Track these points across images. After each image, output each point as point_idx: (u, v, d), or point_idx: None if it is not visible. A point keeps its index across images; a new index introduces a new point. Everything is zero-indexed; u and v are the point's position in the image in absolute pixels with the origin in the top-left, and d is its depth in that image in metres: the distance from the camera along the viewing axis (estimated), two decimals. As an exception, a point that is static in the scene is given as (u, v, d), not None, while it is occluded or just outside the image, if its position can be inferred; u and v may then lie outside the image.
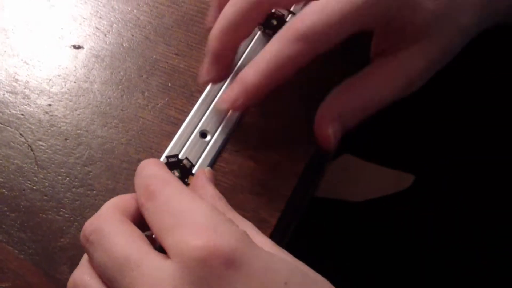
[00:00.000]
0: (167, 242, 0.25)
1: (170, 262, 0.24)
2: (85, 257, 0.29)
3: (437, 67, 0.34)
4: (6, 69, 0.40)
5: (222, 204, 0.30)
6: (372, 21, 0.32)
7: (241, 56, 0.38)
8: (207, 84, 0.37)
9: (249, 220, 0.30)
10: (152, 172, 0.29)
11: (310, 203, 0.55)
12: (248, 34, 0.35)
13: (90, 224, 0.28)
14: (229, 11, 0.33)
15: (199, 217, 0.25)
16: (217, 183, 0.35)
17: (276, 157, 0.36)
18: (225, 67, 0.35)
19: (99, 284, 0.27)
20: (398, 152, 0.60)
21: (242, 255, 0.24)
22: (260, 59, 0.32)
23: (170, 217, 0.26)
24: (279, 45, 0.31)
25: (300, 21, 0.31)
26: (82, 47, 0.40)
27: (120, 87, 0.39)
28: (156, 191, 0.28)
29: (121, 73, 0.39)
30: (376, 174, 0.65)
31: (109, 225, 0.27)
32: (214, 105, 0.37)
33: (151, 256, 0.25)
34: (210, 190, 0.31)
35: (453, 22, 0.33)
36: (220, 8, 0.35)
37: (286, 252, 0.28)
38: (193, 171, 0.35)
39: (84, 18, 0.41)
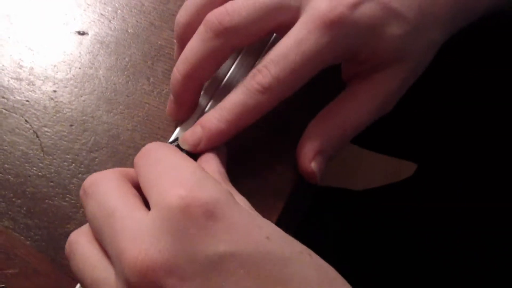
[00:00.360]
0: (151, 193, 0.26)
1: (153, 213, 0.25)
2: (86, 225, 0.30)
3: (410, 83, 0.34)
4: (10, 55, 0.39)
5: (221, 178, 0.31)
6: (338, 59, 0.33)
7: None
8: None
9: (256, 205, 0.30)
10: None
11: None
12: (209, 77, 0.34)
13: (91, 178, 0.29)
14: (190, 55, 0.32)
15: (184, 172, 0.26)
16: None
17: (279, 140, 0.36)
18: (187, 109, 0.35)
19: (91, 243, 0.28)
20: (400, 141, 0.60)
21: (223, 207, 0.25)
22: (224, 107, 0.32)
23: (157, 171, 0.27)
24: (244, 96, 0.31)
25: (263, 73, 0.31)
26: (87, 33, 0.40)
27: (125, 73, 0.39)
28: (151, 150, 0.29)
29: (126, 59, 0.39)
30: (377, 162, 0.65)
31: (106, 181, 0.29)
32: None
33: (136, 210, 0.26)
34: (212, 164, 0.32)
35: (422, 40, 0.33)
36: (182, 46, 0.34)
37: None
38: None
39: (88, 4, 0.41)
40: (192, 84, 0.34)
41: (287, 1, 0.32)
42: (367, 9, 0.31)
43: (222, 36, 0.32)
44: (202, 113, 0.36)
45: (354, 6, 0.31)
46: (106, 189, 0.28)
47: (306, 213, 0.47)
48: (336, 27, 0.30)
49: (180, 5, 0.39)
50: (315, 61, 0.31)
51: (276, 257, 0.25)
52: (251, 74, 0.32)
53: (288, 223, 0.37)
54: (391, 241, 0.58)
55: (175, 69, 0.34)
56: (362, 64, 0.33)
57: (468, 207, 0.55)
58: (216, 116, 0.32)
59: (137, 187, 0.29)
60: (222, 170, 0.32)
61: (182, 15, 0.35)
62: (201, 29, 0.32)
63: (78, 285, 0.33)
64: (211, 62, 0.33)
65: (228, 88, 0.35)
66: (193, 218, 0.24)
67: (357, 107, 0.34)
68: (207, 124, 0.32)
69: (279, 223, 0.34)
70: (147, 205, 0.27)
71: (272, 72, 0.31)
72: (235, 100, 0.32)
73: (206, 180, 0.26)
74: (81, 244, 0.28)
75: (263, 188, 0.35)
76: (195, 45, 0.33)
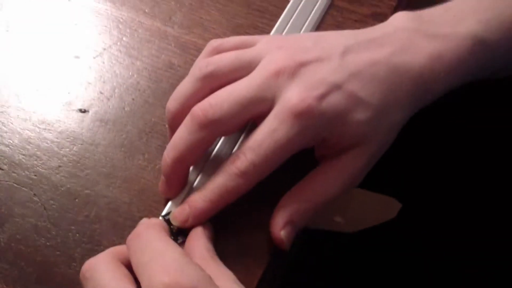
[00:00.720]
0: (142, 276, 0.31)
1: None
2: None
3: (376, 160, 0.39)
4: (19, 132, 0.44)
5: (208, 255, 0.36)
6: (308, 144, 0.37)
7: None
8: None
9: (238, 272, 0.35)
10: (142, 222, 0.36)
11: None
12: (196, 161, 0.40)
13: (88, 263, 0.34)
14: (178, 143, 0.37)
15: (168, 259, 0.31)
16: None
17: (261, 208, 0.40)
18: (177, 188, 0.40)
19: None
20: (384, 178, 0.64)
21: None
22: (208, 188, 0.37)
23: (146, 255, 0.32)
24: (224, 179, 0.36)
25: (241, 160, 0.36)
26: (88, 111, 0.45)
27: (122, 149, 0.43)
28: (141, 234, 0.34)
29: (123, 136, 0.44)
30: (363, 199, 0.69)
31: (101, 265, 0.33)
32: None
33: None
34: (202, 242, 0.36)
35: (385, 123, 0.37)
36: (173, 131, 0.39)
37: None
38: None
39: (89, 83, 0.46)
40: (180, 167, 0.38)
41: (263, 93, 0.36)
42: (333, 99, 0.36)
43: (206, 128, 0.37)
44: (191, 187, 0.40)
45: (322, 98, 0.35)
46: (100, 273, 0.32)
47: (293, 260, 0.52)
48: (305, 118, 0.35)
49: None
50: (286, 148, 0.36)
51: None
52: (231, 159, 0.37)
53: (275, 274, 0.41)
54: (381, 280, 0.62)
55: (165, 154, 0.38)
56: (330, 148, 0.38)
57: (453, 244, 0.59)
58: (201, 197, 0.37)
59: (129, 264, 0.34)
60: (210, 246, 0.37)
61: (172, 104, 0.40)
62: (187, 121, 0.37)
63: None
64: (197, 149, 0.38)
65: (215, 163, 0.40)
66: None
67: (326, 183, 0.38)
68: (193, 204, 0.38)
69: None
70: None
71: (248, 158, 0.36)
72: (217, 182, 0.37)
73: (188, 266, 0.31)
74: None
75: (244, 252, 0.40)
76: (182, 135, 0.37)
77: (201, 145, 0.38)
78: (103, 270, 0.33)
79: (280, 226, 0.38)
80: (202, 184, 0.39)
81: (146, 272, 0.31)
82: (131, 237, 0.34)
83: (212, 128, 0.37)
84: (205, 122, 0.36)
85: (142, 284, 0.31)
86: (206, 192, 0.37)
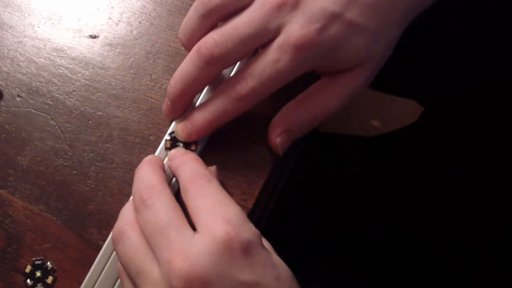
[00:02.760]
0: (202, 221, 0.33)
1: (202, 237, 0.32)
2: (125, 210, 0.38)
3: (373, 78, 0.39)
4: (35, 61, 0.46)
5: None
6: (308, 69, 0.37)
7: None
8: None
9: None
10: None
11: (315, 139, 0.59)
12: (201, 90, 0.41)
13: (147, 189, 0.36)
14: (184, 77, 0.38)
15: (231, 212, 0.34)
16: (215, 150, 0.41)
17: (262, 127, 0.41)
18: (182, 111, 0.41)
19: (140, 238, 0.35)
20: (406, 81, 0.63)
21: (254, 248, 0.33)
22: (207, 109, 0.39)
23: (210, 203, 0.34)
24: (224, 102, 0.38)
25: (242, 85, 0.37)
26: (98, 37, 0.46)
27: (131, 71, 0.44)
28: (203, 183, 0.36)
29: (131, 58, 0.45)
30: (384, 104, 0.68)
31: (161, 197, 0.35)
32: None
33: (187, 229, 0.34)
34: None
35: (382, 42, 0.38)
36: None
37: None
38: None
39: (98, 9, 0.47)
40: (186, 96, 0.40)
41: (266, 27, 0.36)
42: (333, 30, 0.36)
43: (212, 64, 0.37)
44: (193, 104, 0.41)
45: (322, 30, 0.35)
46: (162, 204, 0.35)
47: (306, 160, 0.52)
48: (306, 49, 0.36)
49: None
50: (287, 76, 0.37)
51: None
52: (231, 82, 0.38)
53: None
54: (395, 189, 0.62)
55: (172, 84, 0.39)
56: (331, 68, 0.39)
57: (473, 152, 0.58)
58: (201, 116, 0.39)
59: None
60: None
61: (181, 38, 0.40)
62: (194, 56, 0.38)
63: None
64: (203, 82, 0.39)
65: (218, 80, 0.41)
66: (232, 250, 0.32)
67: (329, 98, 0.39)
68: (194, 122, 0.39)
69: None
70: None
71: (250, 84, 0.37)
72: (217, 104, 0.38)
73: (246, 223, 0.34)
74: (131, 236, 0.35)
75: (247, 165, 0.41)
76: (189, 69, 0.38)
77: (207, 78, 0.39)
78: (164, 202, 0.35)
79: (278, 133, 0.39)
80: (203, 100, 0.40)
81: (209, 218, 0.33)
82: (190, 181, 0.36)
83: (218, 64, 0.38)
84: (211, 59, 0.37)
85: (199, 227, 0.33)
86: (206, 113, 0.39)
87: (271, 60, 0.36)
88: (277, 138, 0.39)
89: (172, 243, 0.33)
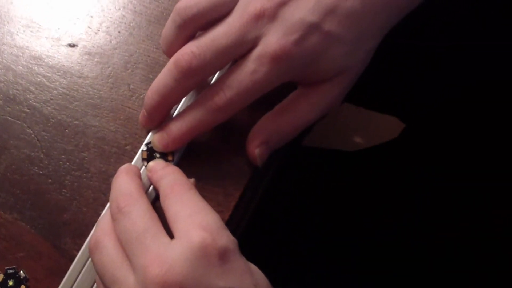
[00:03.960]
0: (179, 227, 0.33)
1: (179, 242, 0.32)
2: (101, 219, 0.38)
3: (350, 87, 0.40)
4: (13, 69, 0.46)
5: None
6: (285, 79, 0.38)
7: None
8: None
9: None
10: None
11: (298, 153, 0.60)
12: (181, 99, 0.41)
13: (123, 197, 0.36)
14: (161, 89, 0.38)
15: (208, 218, 0.34)
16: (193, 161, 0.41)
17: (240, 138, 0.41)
18: (158, 122, 0.41)
19: (116, 246, 0.35)
20: (389, 98, 0.64)
21: (231, 254, 0.32)
22: (184, 120, 0.39)
23: (188, 209, 0.34)
24: (201, 113, 0.38)
25: (220, 96, 0.37)
26: (77, 45, 0.46)
27: (109, 80, 0.44)
28: (181, 191, 0.36)
29: (110, 68, 0.45)
30: (366, 119, 0.68)
31: (138, 205, 0.35)
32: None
33: (163, 236, 0.34)
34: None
35: (361, 52, 0.38)
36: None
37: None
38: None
39: (78, 18, 0.47)
40: (163, 107, 0.40)
41: (244, 38, 0.37)
42: (311, 41, 0.36)
43: (189, 76, 0.38)
44: (171, 115, 0.42)
45: (299, 41, 0.36)
46: (138, 211, 0.35)
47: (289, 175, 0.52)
48: (283, 60, 0.36)
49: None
50: (264, 87, 0.37)
51: None
52: (209, 93, 0.38)
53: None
54: (377, 201, 0.62)
55: (149, 96, 0.39)
56: (307, 80, 0.39)
57: (454, 167, 0.59)
58: (177, 127, 0.39)
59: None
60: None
61: (162, 49, 0.40)
62: (171, 68, 0.38)
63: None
64: (180, 94, 0.39)
65: (194, 92, 0.41)
66: (209, 256, 0.32)
67: (307, 108, 0.39)
68: (171, 133, 0.39)
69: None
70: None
71: (227, 95, 0.37)
72: (194, 115, 0.38)
73: (223, 230, 0.34)
74: (107, 245, 0.35)
75: (224, 176, 0.41)
76: (166, 81, 0.38)
77: (184, 90, 0.39)
78: (141, 209, 0.35)
79: (256, 145, 0.39)
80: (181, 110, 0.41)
81: (186, 224, 0.33)
82: (168, 190, 0.36)
83: (196, 75, 0.38)
84: (189, 71, 0.37)
85: (177, 233, 0.33)
86: (183, 123, 0.39)
87: (249, 71, 0.36)
88: (256, 149, 0.39)
89: (148, 249, 0.32)
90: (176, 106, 0.42)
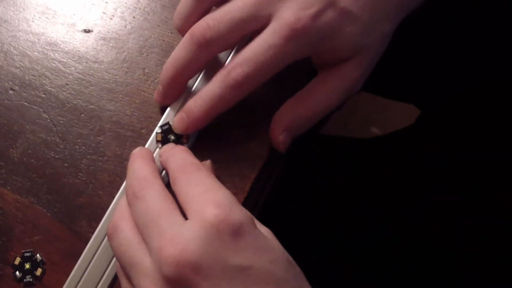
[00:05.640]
0: (192, 206, 0.33)
1: (192, 222, 0.32)
2: (119, 205, 0.37)
3: (370, 71, 0.39)
4: (29, 55, 0.46)
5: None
6: (302, 57, 0.37)
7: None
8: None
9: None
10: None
11: (315, 140, 0.59)
12: (194, 75, 0.41)
13: (138, 182, 0.36)
14: (177, 61, 0.38)
15: (220, 196, 0.33)
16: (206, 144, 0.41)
17: (254, 121, 0.41)
18: (174, 98, 0.41)
19: (133, 230, 0.35)
20: (404, 86, 0.63)
21: (246, 230, 0.32)
22: (204, 99, 0.38)
23: (200, 188, 0.34)
24: (220, 90, 0.37)
25: (238, 71, 0.36)
26: (92, 31, 0.46)
27: (124, 65, 0.44)
28: (191, 171, 0.36)
29: (125, 53, 0.45)
30: (382, 108, 0.68)
31: (153, 188, 0.35)
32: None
33: (178, 216, 0.33)
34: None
35: (376, 34, 0.38)
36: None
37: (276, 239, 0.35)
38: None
39: (93, 4, 0.47)
40: (179, 82, 0.40)
41: (259, 12, 0.37)
42: (327, 17, 0.36)
43: (204, 47, 0.38)
44: (189, 94, 0.41)
45: (315, 16, 0.35)
46: (153, 195, 0.35)
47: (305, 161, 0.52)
48: (300, 35, 0.36)
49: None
50: (281, 62, 0.37)
51: (277, 277, 0.32)
52: (226, 70, 0.37)
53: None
54: (392, 191, 0.62)
55: (165, 69, 0.39)
56: (326, 59, 0.39)
57: (469, 153, 0.58)
58: (197, 107, 0.39)
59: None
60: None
61: (176, 23, 0.41)
62: (186, 40, 0.38)
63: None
64: (195, 66, 0.39)
65: (213, 67, 0.41)
66: (223, 233, 0.31)
67: (327, 94, 0.39)
68: (190, 114, 0.39)
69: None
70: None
71: (246, 71, 0.37)
72: (213, 92, 0.38)
73: (236, 205, 0.33)
74: (124, 230, 0.35)
75: (239, 159, 0.41)
76: (182, 53, 0.38)
77: (199, 63, 0.39)
78: (156, 193, 0.35)
79: (279, 131, 0.39)
80: (199, 89, 0.40)
81: (198, 203, 0.33)
82: (179, 170, 0.36)
83: (210, 47, 0.38)
84: (203, 42, 0.37)
85: (190, 213, 0.33)
86: (202, 102, 0.39)
87: (265, 45, 0.36)
88: (279, 136, 0.39)
89: (163, 231, 0.32)
90: (191, 87, 0.41)
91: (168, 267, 0.31)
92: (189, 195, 0.34)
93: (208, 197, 0.33)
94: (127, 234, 0.35)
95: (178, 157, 0.38)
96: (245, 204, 0.40)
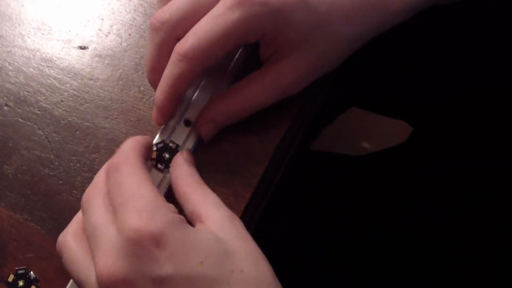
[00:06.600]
0: (117, 217, 0.33)
1: (118, 235, 0.31)
2: (72, 220, 0.37)
3: (314, 75, 0.38)
4: (24, 71, 0.46)
5: (193, 180, 0.38)
6: (249, 36, 0.36)
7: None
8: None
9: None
10: (124, 148, 0.37)
11: (306, 157, 0.59)
12: (187, 89, 0.40)
13: (85, 194, 0.36)
14: (168, 75, 0.37)
15: (142, 202, 0.32)
16: (201, 162, 0.41)
17: (248, 140, 0.41)
18: (168, 116, 0.40)
19: (77, 244, 0.35)
20: (397, 102, 0.64)
21: (167, 237, 0.31)
22: (162, 81, 0.38)
23: (121, 196, 0.33)
24: (170, 67, 0.37)
25: (181, 44, 0.36)
26: (87, 48, 0.46)
27: (119, 82, 0.45)
28: (119, 166, 0.35)
29: (120, 70, 0.45)
30: (374, 124, 0.68)
31: (95, 200, 0.35)
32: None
33: (111, 227, 0.32)
34: (184, 169, 0.38)
35: (328, 33, 0.36)
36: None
37: (235, 229, 0.34)
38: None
39: (88, 21, 0.47)
40: (171, 100, 0.39)
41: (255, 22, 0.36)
42: None
43: (159, 29, 0.37)
44: (188, 104, 0.42)
45: None
46: (93, 207, 0.34)
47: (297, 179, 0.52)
48: (247, 4, 0.34)
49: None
50: (228, 33, 0.35)
51: (208, 279, 0.31)
52: (175, 47, 0.37)
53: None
54: (383, 207, 0.62)
55: (159, 86, 0.39)
56: (271, 47, 0.37)
57: (462, 167, 0.59)
58: (158, 91, 0.39)
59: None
60: (193, 171, 0.39)
61: (147, 75, 0.40)
62: (172, 58, 0.37)
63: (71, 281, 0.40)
64: (183, 82, 0.38)
65: (210, 79, 0.42)
66: (144, 246, 0.31)
67: (259, 89, 0.38)
68: (156, 101, 0.39)
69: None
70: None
71: (189, 42, 0.36)
72: (168, 72, 0.37)
73: (158, 210, 0.32)
74: (68, 245, 0.35)
75: (234, 179, 0.41)
76: (171, 71, 0.38)
77: (187, 78, 0.38)
78: (95, 205, 0.35)
79: (203, 122, 0.39)
80: (196, 101, 0.41)
81: (120, 214, 0.32)
82: (110, 166, 0.35)
83: (166, 29, 0.37)
84: (158, 26, 0.37)
85: (117, 222, 0.32)
86: (160, 86, 0.38)
87: (213, 15, 0.35)
88: (203, 127, 0.39)
89: (99, 245, 0.32)
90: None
91: (103, 284, 0.31)
92: (114, 203, 0.33)
93: (129, 207, 0.32)
94: (71, 250, 0.35)
95: (120, 150, 0.37)
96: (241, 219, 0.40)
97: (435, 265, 0.60)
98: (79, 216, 0.37)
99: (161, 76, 0.39)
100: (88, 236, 0.34)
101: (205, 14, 0.36)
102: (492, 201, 0.58)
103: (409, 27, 0.40)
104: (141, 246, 0.30)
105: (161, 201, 0.33)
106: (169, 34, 0.38)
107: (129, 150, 0.36)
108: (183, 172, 0.38)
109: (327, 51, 0.37)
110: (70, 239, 0.35)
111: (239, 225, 0.35)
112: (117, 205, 0.33)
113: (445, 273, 0.60)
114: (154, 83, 0.39)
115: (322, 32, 0.36)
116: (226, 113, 0.39)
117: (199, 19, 0.36)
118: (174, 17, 0.37)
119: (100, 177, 0.36)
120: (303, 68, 0.37)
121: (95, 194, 0.35)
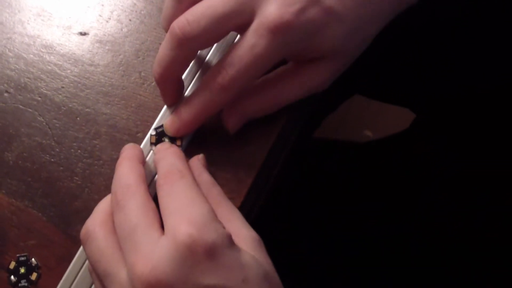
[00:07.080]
0: (168, 221, 0.33)
1: (166, 240, 0.32)
2: (97, 208, 0.37)
3: (341, 72, 0.39)
4: (24, 57, 0.46)
5: (216, 191, 0.38)
6: (285, 57, 0.37)
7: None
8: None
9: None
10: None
11: (309, 144, 0.59)
12: (183, 72, 0.41)
13: (121, 191, 0.35)
14: (161, 60, 0.37)
15: (197, 212, 0.33)
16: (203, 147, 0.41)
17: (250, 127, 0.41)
18: (172, 96, 0.41)
19: (109, 238, 0.35)
20: (400, 90, 0.63)
21: (218, 249, 0.31)
22: (192, 103, 0.38)
23: (177, 202, 0.34)
24: (207, 94, 0.37)
25: (223, 75, 0.36)
26: (88, 34, 0.46)
27: (120, 68, 0.44)
28: (174, 180, 0.35)
29: (121, 56, 0.45)
30: (377, 112, 0.68)
31: (134, 198, 0.35)
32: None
33: (154, 230, 0.33)
34: (205, 177, 0.39)
35: (359, 38, 0.37)
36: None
37: (265, 253, 0.35)
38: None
39: (88, 7, 0.47)
40: (168, 80, 0.39)
41: (241, 7, 0.35)
42: (311, 14, 0.35)
43: (185, 44, 0.36)
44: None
45: (300, 13, 0.34)
46: (133, 206, 0.34)
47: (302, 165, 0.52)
48: (284, 33, 0.35)
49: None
50: (265, 62, 0.36)
51: None
52: (212, 73, 0.37)
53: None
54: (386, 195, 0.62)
55: (153, 69, 0.39)
56: (303, 57, 0.38)
57: (465, 156, 0.58)
58: (187, 111, 0.39)
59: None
60: (213, 180, 0.39)
61: (163, 25, 0.40)
62: (167, 38, 0.37)
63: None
64: (180, 63, 0.38)
65: (209, 66, 0.42)
66: (195, 254, 0.31)
67: (290, 88, 0.38)
68: (180, 117, 0.39)
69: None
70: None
71: (229, 73, 0.36)
72: (201, 97, 0.38)
73: (211, 223, 0.32)
74: (99, 236, 0.35)
75: (236, 164, 0.40)
76: (164, 52, 0.38)
77: (183, 60, 0.38)
78: (135, 204, 0.34)
79: (232, 113, 0.39)
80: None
81: (173, 220, 0.32)
82: (164, 180, 0.35)
83: (191, 44, 0.37)
84: (183, 39, 0.36)
85: (166, 227, 0.33)
86: (191, 107, 0.39)
87: (248, 46, 0.35)
88: (231, 118, 0.39)
89: (138, 246, 0.32)
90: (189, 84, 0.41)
91: (140, 285, 0.31)
92: (167, 208, 0.34)
93: (184, 214, 0.32)
94: (102, 241, 0.35)
95: (167, 161, 0.37)
96: (242, 208, 0.40)
97: (437, 263, 0.60)
98: (105, 206, 0.37)
99: (168, 83, 0.39)
100: (123, 233, 0.33)
101: (230, 30, 0.37)
102: (496, 197, 0.58)
103: (415, 16, 0.40)
104: (193, 253, 0.31)
105: (215, 215, 0.33)
106: (193, 51, 0.38)
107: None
108: (204, 180, 0.38)
109: (357, 52, 0.38)
110: (98, 230, 0.35)
111: (264, 248, 0.36)
112: (170, 210, 0.33)
113: (448, 271, 0.59)
114: (162, 86, 0.39)
115: (352, 38, 0.37)
116: (259, 107, 0.39)
117: (224, 35, 0.37)
118: (203, 37, 0.36)
119: (130, 180, 0.36)
120: (336, 70, 0.38)
121: (134, 194, 0.35)
